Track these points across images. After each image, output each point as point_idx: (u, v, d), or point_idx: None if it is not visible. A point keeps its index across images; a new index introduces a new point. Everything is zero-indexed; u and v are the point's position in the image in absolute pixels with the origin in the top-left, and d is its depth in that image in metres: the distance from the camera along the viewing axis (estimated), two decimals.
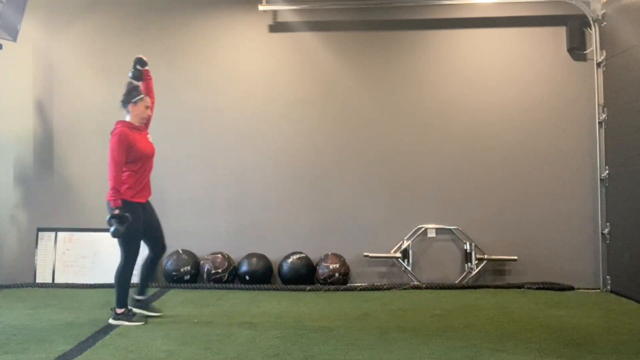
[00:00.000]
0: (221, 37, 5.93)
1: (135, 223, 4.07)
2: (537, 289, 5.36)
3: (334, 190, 5.80)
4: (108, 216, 3.96)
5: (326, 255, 5.62)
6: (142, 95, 4.24)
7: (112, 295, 5.09)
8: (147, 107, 4.27)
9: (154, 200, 5.90)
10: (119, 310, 4.19)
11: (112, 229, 3.94)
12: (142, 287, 4.41)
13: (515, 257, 5.56)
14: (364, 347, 3.52)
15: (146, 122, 4.35)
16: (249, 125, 5.88)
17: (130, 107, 4.21)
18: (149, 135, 4.35)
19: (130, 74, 4.35)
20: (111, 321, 4.17)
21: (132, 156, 4.10)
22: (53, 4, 5.95)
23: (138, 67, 4.34)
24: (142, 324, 4.12)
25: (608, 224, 5.41)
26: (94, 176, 5.87)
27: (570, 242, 5.57)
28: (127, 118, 4.23)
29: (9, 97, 5.87)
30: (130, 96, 4.21)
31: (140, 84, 4.34)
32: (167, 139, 5.86)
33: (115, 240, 4.09)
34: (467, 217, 5.66)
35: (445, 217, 5.71)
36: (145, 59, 4.38)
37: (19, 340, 3.70)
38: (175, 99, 5.89)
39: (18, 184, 5.90)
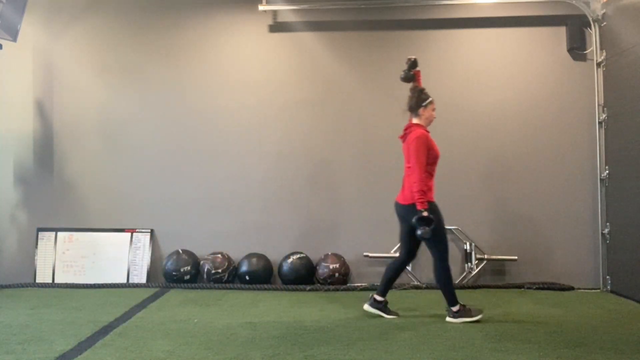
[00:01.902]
0: (221, 37, 5.93)
1: (438, 222, 4.08)
2: (537, 289, 5.36)
3: (334, 190, 5.80)
4: (415, 218, 3.96)
5: (326, 255, 5.62)
6: (431, 99, 4.28)
7: (112, 296, 5.15)
8: (434, 110, 4.31)
9: (155, 199, 5.97)
10: (455, 309, 4.16)
11: (419, 231, 3.94)
12: (385, 288, 4.36)
13: (515, 257, 5.56)
14: (364, 347, 3.52)
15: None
16: (249, 125, 5.89)
17: (420, 110, 4.25)
18: None
19: (402, 76, 4.37)
20: (450, 319, 4.15)
21: (431, 158, 4.14)
22: (53, 4, 5.95)
23: (411, 69, 4.35)
24: (479, 317, 4.10)
25: (608, 224, 5.41)
26: (94, 176, 5.89)
27: (570, 242, 5.58)
28: (415, 121, 4.27)
29: (9, 97, 5.89)
30: (420, 100, 4.25)
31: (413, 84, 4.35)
32: (166, 139, 5.90)
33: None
34: (467, 217, 5.66)
35: (445, 217, 5.68)
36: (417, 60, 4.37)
37: (19, 340, 3.70)
38: (175, 99, 5.90)
39: (18, 184, 5.90)
